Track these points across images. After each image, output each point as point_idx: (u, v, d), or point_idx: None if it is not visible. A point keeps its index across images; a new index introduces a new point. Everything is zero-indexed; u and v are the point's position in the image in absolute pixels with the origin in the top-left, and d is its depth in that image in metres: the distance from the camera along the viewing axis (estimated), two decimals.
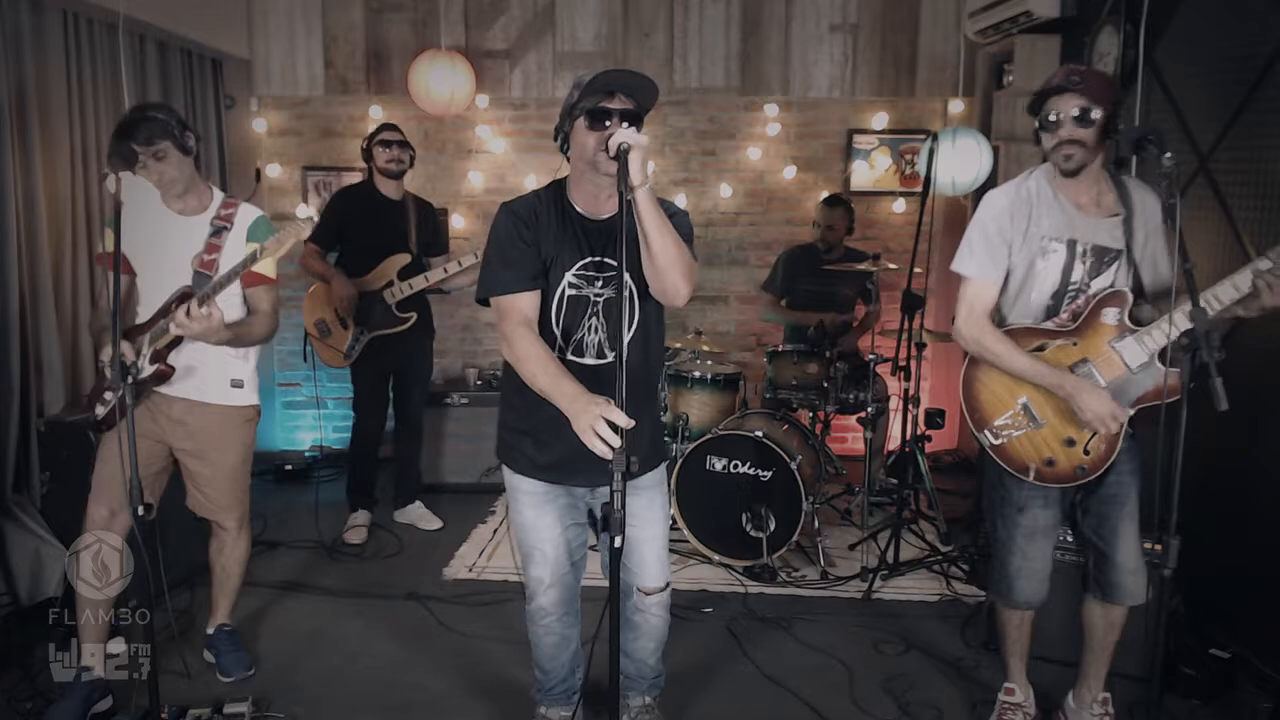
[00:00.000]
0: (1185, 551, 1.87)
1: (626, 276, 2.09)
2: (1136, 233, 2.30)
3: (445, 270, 4.01)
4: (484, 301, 2.15)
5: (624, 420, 1.78)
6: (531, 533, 2.31)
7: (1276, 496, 2.79)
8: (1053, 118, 2.23)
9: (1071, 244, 2.32)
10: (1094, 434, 2.31)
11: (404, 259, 4.02)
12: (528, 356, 2.04)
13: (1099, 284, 2.33)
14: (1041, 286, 2.36)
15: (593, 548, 2.35)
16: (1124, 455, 2.36)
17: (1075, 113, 2.20)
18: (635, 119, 2.01)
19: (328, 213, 4.17)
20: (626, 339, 2.13)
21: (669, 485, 3.86)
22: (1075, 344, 2.32)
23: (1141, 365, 2.26)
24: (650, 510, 2.34)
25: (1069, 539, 2.84)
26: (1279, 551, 2.76)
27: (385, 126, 4.08)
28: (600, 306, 2.16)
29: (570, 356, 2.17)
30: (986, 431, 2.40)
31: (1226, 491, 2.91)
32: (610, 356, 2.16)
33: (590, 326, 2.17)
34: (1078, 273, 2.33)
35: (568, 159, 2.15)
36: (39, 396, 3.48)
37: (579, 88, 2.04)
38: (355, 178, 4.32)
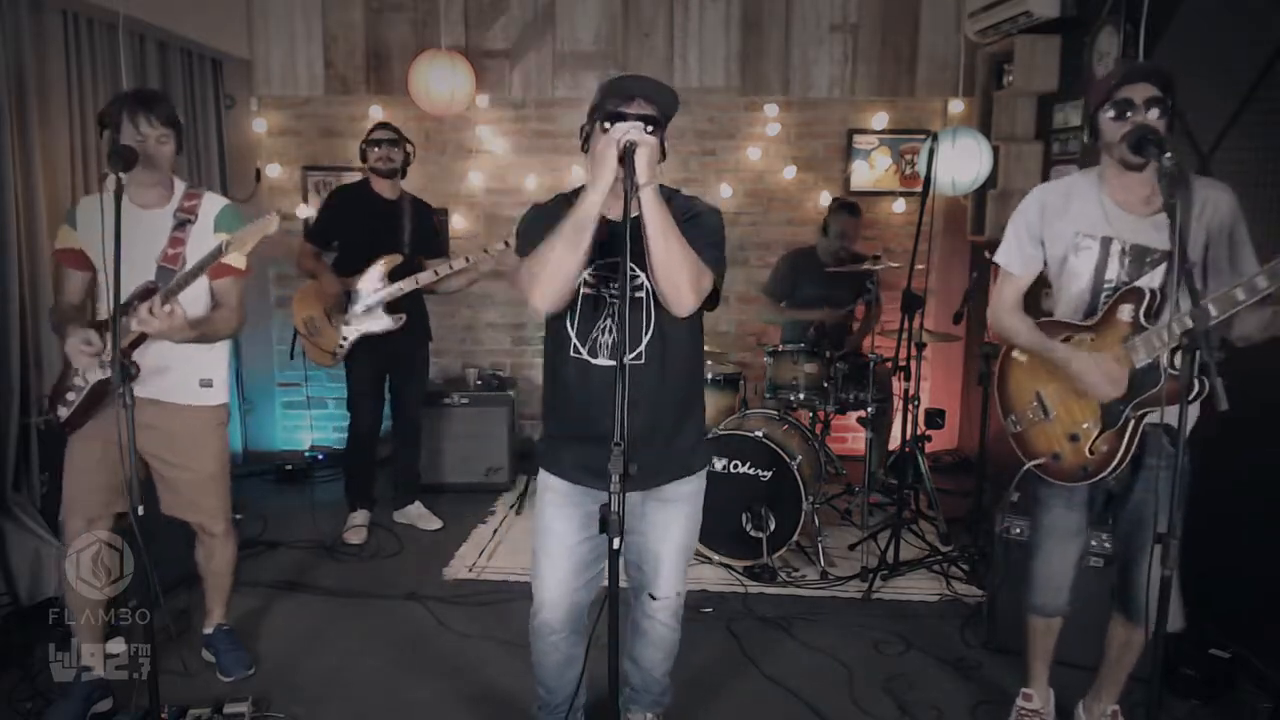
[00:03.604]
0: (1185, 552, 1.87)
1: (644, 277, 2.07)
2: (1195, 233, 2.21)
3: (435, 273, 3.97)
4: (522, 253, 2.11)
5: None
6: (547, 535, 2.24)
7: (1276, 496, 2.79)
8: (1128, 112, 2.17)
9: (1106, 241, 2.29)
10: (1099, 433, 2.30)
11: (394, 260, 3.98)
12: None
13: (1143, 284, 2.27)
14: (1077, 283, 2.35)
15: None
16: (1162, 475, 2.23)
17: (1150, 98, 2.16)
18: (656, 124, 1.99)
19: (323, 210, 4.17)
20: (644, 341, 2.12)
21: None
22: (1092, 339, 2.31)
23: (1144, 365, 2.22)
24: (675, 523, 2.27)
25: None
26: (1279, 551, 2.76)
27: (377, 125, 4.09)
28: (617, 307, 2.10)
29: (585, 356, 2.14)
30: (1010, 419, 2.50)
31: (1226, 492, 2.90)
32: (628, 359, 2.09)
33: (605, 327, 2.12)
34: (1113, 270, 2.30)
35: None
36: (39, 396, 3.47)
37: (600, 91, 2.04)
38: (355, 178, 4.32)
